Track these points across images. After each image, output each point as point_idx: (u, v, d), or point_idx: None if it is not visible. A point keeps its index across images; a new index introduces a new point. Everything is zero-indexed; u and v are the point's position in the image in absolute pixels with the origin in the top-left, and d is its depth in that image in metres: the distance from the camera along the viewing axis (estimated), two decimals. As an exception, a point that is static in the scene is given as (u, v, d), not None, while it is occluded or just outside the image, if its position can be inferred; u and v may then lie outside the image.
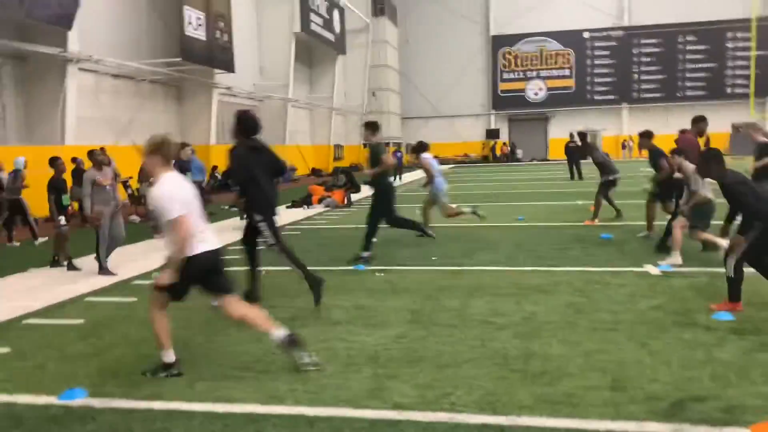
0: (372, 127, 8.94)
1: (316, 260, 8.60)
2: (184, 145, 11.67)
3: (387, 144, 39.70)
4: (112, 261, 8.39)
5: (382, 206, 8.75)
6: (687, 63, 44.04)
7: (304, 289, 6.88)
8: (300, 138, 33.84)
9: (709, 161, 5.80)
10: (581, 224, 11.43)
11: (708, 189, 7.42)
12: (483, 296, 6.35)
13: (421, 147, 11.50)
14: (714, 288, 6.32)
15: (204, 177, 14.57)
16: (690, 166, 7.65)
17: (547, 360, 4.47)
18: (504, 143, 46.47)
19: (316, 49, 34.96)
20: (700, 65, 43.87)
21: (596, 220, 11.50)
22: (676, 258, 7.50)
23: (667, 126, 43.86)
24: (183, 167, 11.21)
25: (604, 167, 11.73)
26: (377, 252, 9.16)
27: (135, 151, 13.75)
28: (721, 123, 41.11)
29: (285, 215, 14.31)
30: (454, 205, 11.46)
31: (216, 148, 22.97)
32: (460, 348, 4.79)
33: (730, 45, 43.22)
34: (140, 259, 9.15)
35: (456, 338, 5.03)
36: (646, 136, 9.83)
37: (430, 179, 10.94)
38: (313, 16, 30.85)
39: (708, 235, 7.52)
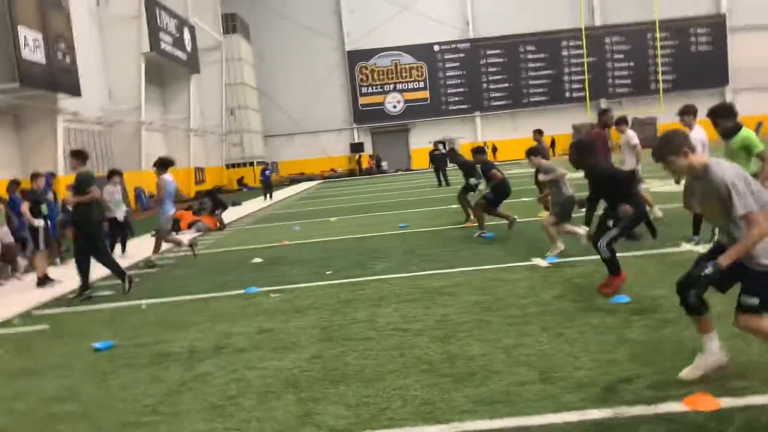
0: (79, 156, 8.34)
1: (200, 288, 8.12)
2: (35, 176, 10.50)
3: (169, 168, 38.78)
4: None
5: (85, 241, 8.10)
6: (529, 71, 47.24)
7: (200, 319, 6.39)
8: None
9: (583, 152, 6.15)
10: (461, 226, 11.69)
11: (569, 187, 7.95)
12: (389, 304, 6.21)
13: (162, 164, 10.48)
14: (602, 274, 6.62)
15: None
16: (544, 162, 8.34)
17: (471, 360, 4.40)
18: (370, 156, 47.14)
19: (167, 69, 33.37)
20: (541, 72, 47.23)
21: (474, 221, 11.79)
22: (556, 250, 7.79)
23: (517, 131, 46.95)
24: (36, 200, 10.10)
25: (469, 171, 11.98)
26: (266, 273, 8.77)
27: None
28: (563, 125, 44.75)
29: (151, 244, 13.39)
30: (174, 234, 11.23)
31: (65, 179, 21.07)
32: (381, 360, 4.59)
33: (565, 53, 46.96)
34: (-6, 306, 8.08)
35: (374, 350, 4.82)
36: (479, 152, 10.67)
37: (158, 200, 10.46)
38: (162, 35, 29.43)
39: (569, 227, 7.94)
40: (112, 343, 5.67)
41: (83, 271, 8.04)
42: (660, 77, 45.98)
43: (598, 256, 6.01)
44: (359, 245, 10.62)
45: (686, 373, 3.67)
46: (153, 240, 10.91)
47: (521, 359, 4.32)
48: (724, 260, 3.30)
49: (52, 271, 9.96)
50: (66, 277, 9.26)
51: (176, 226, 15.51)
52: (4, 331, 6.68)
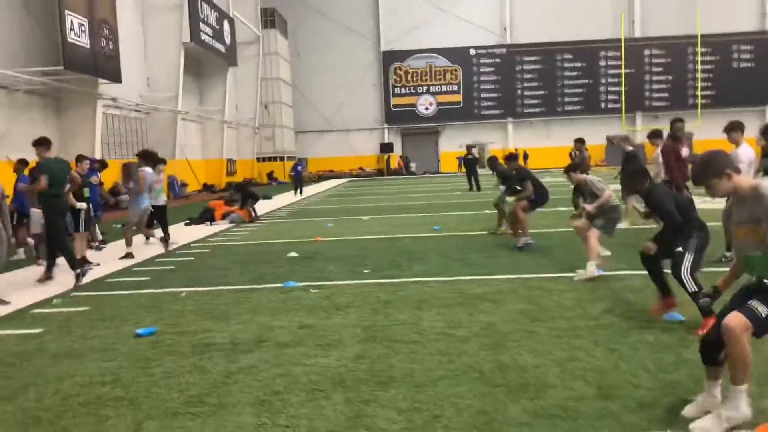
0: (42, 143, 8.25)
1: (238, 279, 8.10)
2: (80, 159, 10.59)
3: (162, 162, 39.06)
4: None
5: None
6: (565, 80, 46.74)
7: (240, 310, 6.36)
8: (190, 152, 32.39)
9: (634, 177, 5.81)
10: (496, 233, 11.53)
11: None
12: (431, 308, 6.10)
13: (146, 157, 10.64)
14: (650, 289, 6.44)
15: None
16: (589, 179, 7.92)
17: (523, 371, 4.27)
18: (399, 156, 47.05)
19: (205, 61, 33.69)
20: (576, 81, 46.71)
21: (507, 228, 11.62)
22: (592, 267, 7.38)
23: (549, 139, 46.53)
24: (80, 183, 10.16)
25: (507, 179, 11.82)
26: (303, 268, 8.73)
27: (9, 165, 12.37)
28: (596, 136, 44.15)
29: (185, 233, 13.51)
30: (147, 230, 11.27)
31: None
32: (429, 364, 4.49)
33: (602, 63, 46.37)
34: (32, 286, 8.14)
35: (421, 354, 4.72)
36: (512, 159, 10.72)
37: (135, 192, 10.42)
38: (203, 26, 29.70)
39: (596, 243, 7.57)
40: (154, 330, 5.65)
41: (65, 252, 8.18)
42: (699, 92, 45.13)
43: (644, 271, 5.78)
44: (393, 245, 10.52)
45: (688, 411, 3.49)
46: (183, 227, 10.92)
47: (576, 373, 4.19)
48: None
49: (90, 254, 10.06)
50: (104, 259, 9.33)
51: (210, 216, 15.64)
52: (46, 311, 6.71)
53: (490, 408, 3.69)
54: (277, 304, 6.58)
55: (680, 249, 5.20)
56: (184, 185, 29.40)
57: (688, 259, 5.19)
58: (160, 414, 3.82)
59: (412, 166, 46.68)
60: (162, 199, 11.47)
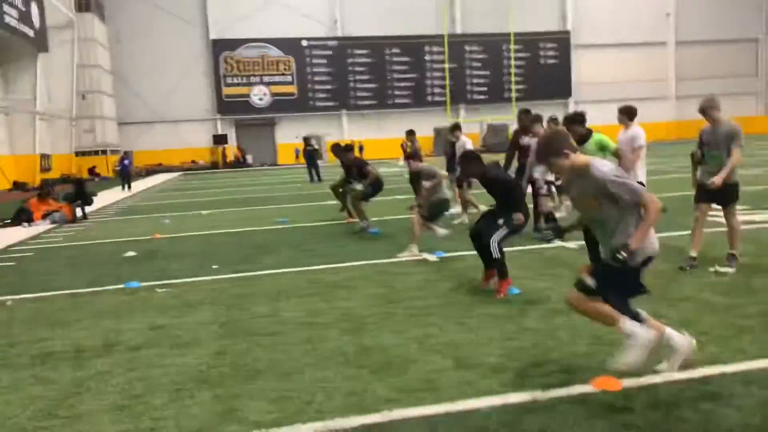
0: None
1: (73, 282, 7.51)
2: None
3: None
4: None
5: None
6: (395, 73, 48.38)
7: (80, 315, 5.92)
8: (-4, 147, 29.02)
9: (471, 162, 6.34)
10: (343, 222, 11.75)
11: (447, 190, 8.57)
12: (289, 298, 6.12)
13: None
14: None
15: None
16: (424, 166, 8.65)
17: (385, 351, 4.47)
18: (239, 147, 45.74)
19: (10, 45, 30.22)
20: (405, 75, 48.55)
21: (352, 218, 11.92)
22: (414, 249, 8.05)
23: (381, 131, 48.00)
24: None
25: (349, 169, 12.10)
26: (144, 267, 8.29)
27: None
28: (425, 127, 46.39)
29: (3, 236, 12.21)
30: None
31: None
32: (294, 354, 4.53)
33: (428, 58, 48.64)
34: None
35: (284, 344, 4.74)
36: (348, 150, 11.25)
37: None
38: (6, 8, 26.61)
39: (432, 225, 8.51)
40: (-19, 343, 5.09)
41: None
42: (513, 86, 49.07)
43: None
44: (241, 239, 10.33)
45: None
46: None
47: (433, 348, 4.47)
48: (635, 243, 3.56)
49: None
50: None
51: (29, 216, 14.19)
52: None
53: (358, 389, 3.82)
54: (122, 306, 6.21)
55: (500, 222, 5.91)
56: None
57: (502, 232, 5.93)
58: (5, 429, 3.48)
59: (248, 158, 45.68)
60: None
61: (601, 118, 50.04)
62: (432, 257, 7.77)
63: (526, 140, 9.38)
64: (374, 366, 4.19)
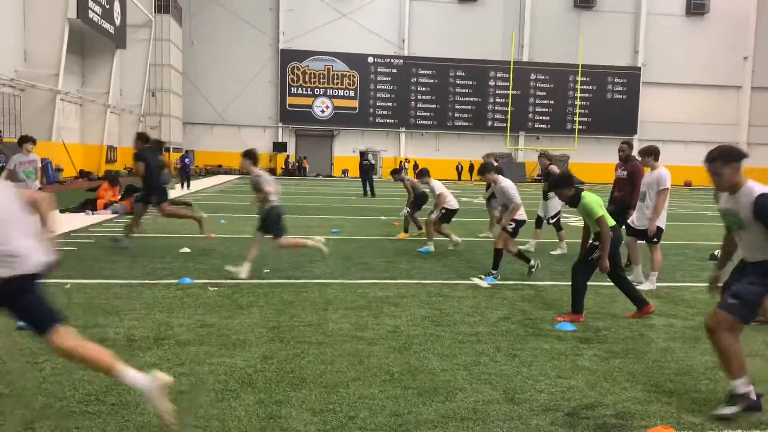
0: None
1: (128, 273, 7.68)
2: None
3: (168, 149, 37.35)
4: None
5: None
6: (456, 96, 48.43)
7: (133, 306, 6.03)
8: (68, 135, 30.27)
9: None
10: (394, 238, 11.72)
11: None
12: (337, 310, 6.09)
13: None
14: (541, 299, 6.84)
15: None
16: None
17: (432, 374, 4.37)
18: (303, 157, 46.44)
19: (91, 40, 31.63)
20: (467, 99, 48.53)
21: (406, 234, 11.89)
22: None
23: (438, 151, 48.02)
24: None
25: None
26: (198, 265, 8.43)
27: None
28: (482, 151, 46.30)
29: (67, 221, 12.64)
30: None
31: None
32: (339, 366, 4.48)
33: (491, 83, 48.52)
34: None
35: (330, 356, 4.70)
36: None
37: None
38: (91, 3, 27.88)
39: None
40: (39, 323, 5.21)
41: None
42: (577, 118, 48.36)
43: (538, 282, 6.34)
44: (292, 246, 10.38)
45: None
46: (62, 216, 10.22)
47: (482, 377, 4.34)
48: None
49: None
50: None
51: (93, 205, 14.69)
52: None
53: (403, 410, 3.74)
54: (174, 301, 6.30)
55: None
56: (59, 170, 27.41)
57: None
58: (54, 413, 3.54)
59: (306, 167, 46.34)
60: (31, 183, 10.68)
61: (665, 159, 48.94)
62: (483, 283, 7.63)
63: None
64: (420, 388, 4.09)
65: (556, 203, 10.55)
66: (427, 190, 11.20)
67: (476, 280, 7.76)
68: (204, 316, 5.73)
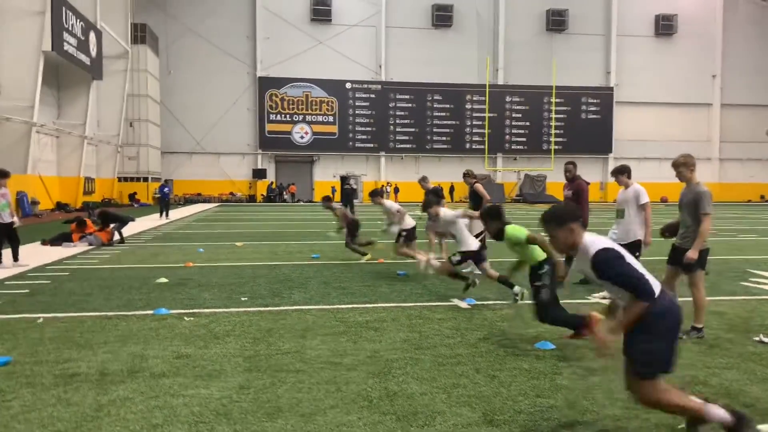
0: None
1: (103, 305, 7.56)
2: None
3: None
4: None
5: None
6: (435, 119, 48.83)
7: (107, 338, 5.92)
8: (44, 168, 29.95)
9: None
10: (374, 261, 11.69)
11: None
12: (315, 336, 6.02)
13: None
14: (521, 318, 6.83)
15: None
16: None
17: (411, 399, 4.32)
18: (291, 184, 46.29)
19: (67, 71, 31.51)
20: (444, 122, 48.94)
21: (381, 259, 11.86)
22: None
23: (418, 174, 48.18)
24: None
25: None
26: (174, 295, 8.32)
27: None
28: (460, 174, 46.48)
29: (42, 254, 12.48)
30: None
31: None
32: (317, 394, 4.41)
33: (468, 106, 49.03)
34: None
35: (308, 383, 4.63)
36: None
37: None
38: (66, 36, 27.83)
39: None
40: (8, 359, 5.10)
41: None
42: (553, 138, 48.97)
43: (517, 301, 6.44)
44: (271, 273, 10.31)
45: None
46: (38, 247, 10.10)
47: (461, 400, 4.30)
48: None
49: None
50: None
51: (68, 238, 14.50)
52: None
53: (381, 436, 3.68)
54: (149, 333, 6.19)
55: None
56: (35, 203, 27.06)
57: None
58: (21, 453, 3.43)
59: (286, 195, 46.26)
60: (7, 215, 10.56)
61: (641, 176, 49.83)
62: (463, 304, 7.61)
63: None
64: (399, 413, 4.04)
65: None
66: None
67: (456, 301, 7.74)
68: (179, 347, 5.63)
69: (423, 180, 12.33)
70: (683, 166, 6.11)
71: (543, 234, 3.73)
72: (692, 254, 5.86)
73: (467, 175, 11.18)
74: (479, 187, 10.65)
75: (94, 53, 32.41)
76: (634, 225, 8.04)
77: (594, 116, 50.40)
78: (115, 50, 37.13)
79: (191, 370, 4.97)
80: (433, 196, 9.40)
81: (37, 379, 4.68)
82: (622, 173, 8.29)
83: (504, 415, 4.01)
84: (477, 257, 8.05)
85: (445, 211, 8.49)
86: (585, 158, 46.99)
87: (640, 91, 49.99)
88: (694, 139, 50.63)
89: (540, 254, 6.00)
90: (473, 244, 8.07)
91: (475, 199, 10.64)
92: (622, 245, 7.81)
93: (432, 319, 6.81)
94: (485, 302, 7.72)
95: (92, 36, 32.06)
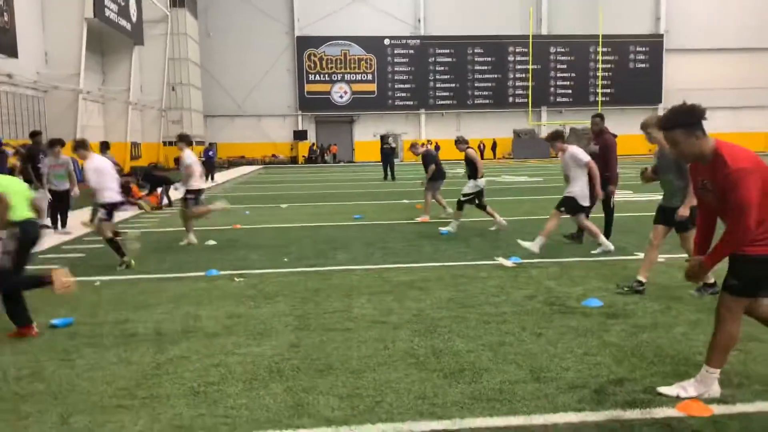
0: None
1: (156, 268, 7.81)
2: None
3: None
4: None
5: None
6: (476, 74, 47.84)
7: (161, 300, 6.13)
8: (92, 134, 30.64)
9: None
10: (416, 221, 11.71)
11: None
12: (361, 296, 6.12)
13: None
14: (567, 276, 6.79)
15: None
16: None
17: (458, 356, 4.38)
18: (333, 145, 46.43)
19: (109, 38, 31.85)
20: (486, 76, 47.92)
21: (427, 217, 11.87)
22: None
23: (460, 131, 47.58)
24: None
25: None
26: (224, 256, 8.53)
27: None
28: (505, 129, 45.90)
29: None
30: None
31: (-6, 143, 19.79)
32: (365, 351, 4.51)
33: (511, 59, 47.82)
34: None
35: (356, 341, 4.73)
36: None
37: None
38: (107, 2, 28.05)
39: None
40: (71, 320, 5.35)
41: None
42: (600, 90, 47.54)
43: (563, 259, 6.32)
44: (316, 234, 10.45)
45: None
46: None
47: (508, 357, 4.34)
48: None
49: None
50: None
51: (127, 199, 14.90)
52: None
53: (429, 392, 3.75)
54: (201, 294, 6.39)
55: None
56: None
57: None
58: (88, 407, 3.62)
59: (327, 156, 46.39)
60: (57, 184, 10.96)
61: (691, 126, 48.08)
62: (508, 263, 7.59)
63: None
64: (446, 370, 4.11)
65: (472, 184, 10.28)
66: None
67: (501, 260, 7.73)
68: (231, 307, 5.80)
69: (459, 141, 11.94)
70: (653, 127, 5.82)
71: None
72: (683, 211, 5.76)
73: (459, 141, 10.89)
74: (471, 152, 10.37)
75: (134, 18, 32.67)
76: (582, 186, 7.86)
77: (642, 65, 48.57)
78: (155, 14, 37.30)
79: (243, 329, 5.13)
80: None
81: (98, 340, 4.91)
82: (555, 139, 8.13)
83: (551, 373, 4.03)
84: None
85: None
86: (633, 109, 45.50)
87: (691, 38, 47.76)
88: (750, 86, 48.33)
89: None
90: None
91: (470, 165, 10.29)
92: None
93: (476, 278, 6.83)
94: (531, 260, 7.68)
95: (132, 1, 32.27)
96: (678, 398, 3.55)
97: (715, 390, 3.60)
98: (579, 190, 7.85)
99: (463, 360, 4.30)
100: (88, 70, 28.82)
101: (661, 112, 47.37)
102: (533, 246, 7.81)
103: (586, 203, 7.93)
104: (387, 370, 4.14)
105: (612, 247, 7.96)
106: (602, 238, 8.05)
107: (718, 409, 3.41)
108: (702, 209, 3.72)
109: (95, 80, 31.64)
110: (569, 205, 7.95)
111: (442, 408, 3.53)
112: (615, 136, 9.13)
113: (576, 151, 7.99)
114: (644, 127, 6.00)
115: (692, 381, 3.64)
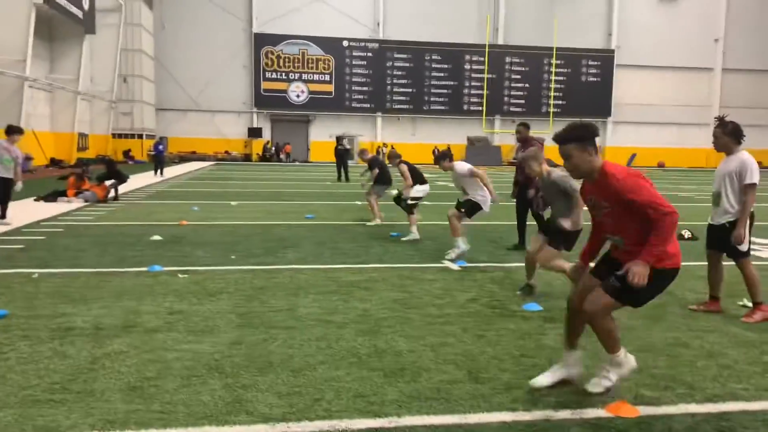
0: None
1: (97, 261, 7.63)
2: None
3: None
4: None
5: None
6: (432, 79, 48.27)
7: (101, 294, 6.00)
8: (37, 123, 29.68)
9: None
10: (367, 223, 11.75)
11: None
12: (307, 295, 6.12)
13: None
14: (510, 280, 6.94)
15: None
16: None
17: (399, 356, 4.43)
18: (287, 143, 45.98)
19: (59, 25, 30.92)
20: (443, 82, 48.41)
21: (378, 220, 11.88)
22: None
23: (414, 136, 47.96)
24: None
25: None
26: (168, 252, 8.39)
27: None
28: (459, 135, 46.48)
29: (36, 210, 12.50)
30: None
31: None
32: (308, 350, 4.52)
33: (467, 67, 48.44)
34: None
35: (299, 340, 4.74)
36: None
37: None
38: (58, -13, 27.27)
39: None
40: (5, 312, 5.19)
41: None
42: (552, 101, 48.62)
43: (507, 264, 6.42)
44: (266, 232, 10.38)
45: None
46: (31, 204, 10.12)
47: (448, 358, 4.41)
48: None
49: None
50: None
51: (63, 194, 14.51)
52: None
53: (368, 391, 3.80)
54: (143, 289, 6.28)
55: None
56: (29, 159, 26.87)
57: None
58: (18, 402, 3.53)
59: (282, 156, 46.01)
60: (8, 173, 10.57)
61: (639, 141, 49.74)
62: (454, 266, 7.71)
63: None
64: (387, 369, 4.15)
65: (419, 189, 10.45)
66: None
67: (447, 263, 7.84)
68: (173, 303, 5.72)
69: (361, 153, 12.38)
70: (533, 159, 6.00)
71: None
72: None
73: (391, 156, 11.08)
74: (403, 168, 10.45)
75: (86, 6, 31.79)
76: (481, 193, 8.07)
77: (594, 79, 49.88)
78: (108, 3, 36.36)
79: (184, 325, 5.07)
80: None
81: (33, 333, 4.77)
82: (443, 159, 8.28)
83: (489, 374, 4.13)
84: None
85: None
86: (583, 121, 46.64)
87: (641, 54, 49.31)
88: (695, 103, 50.26)
89: None
90: None
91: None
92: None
93: (422, 280, 6.92)
94: (476, 264, 7.82)
95: (85, -12, 31.39)
96: (608, 391, 3.70)
97: (630, 361, 3.81)
98: (480, 196, 8.07)
99: (404, 360, 4.36)
100: (36, 57, 27.91)
101: (610, 126, 48.85)
102: (457, 249, 7.98)
103: (486, 207, 8.14)
104: (328, 368, 4.16)
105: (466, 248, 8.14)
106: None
107: (644, 411, 3.56)
108: (593, 224, 3.93)
109: (43, 68, 30.67)
110: (469, 207, 8.12)
111: (380, 406, 3.58)
112: (542, 142, 9.30)
113: (458, 166, 8.19)
114: (524, 160, 6.14)
115: (609, 369, 3.80)
